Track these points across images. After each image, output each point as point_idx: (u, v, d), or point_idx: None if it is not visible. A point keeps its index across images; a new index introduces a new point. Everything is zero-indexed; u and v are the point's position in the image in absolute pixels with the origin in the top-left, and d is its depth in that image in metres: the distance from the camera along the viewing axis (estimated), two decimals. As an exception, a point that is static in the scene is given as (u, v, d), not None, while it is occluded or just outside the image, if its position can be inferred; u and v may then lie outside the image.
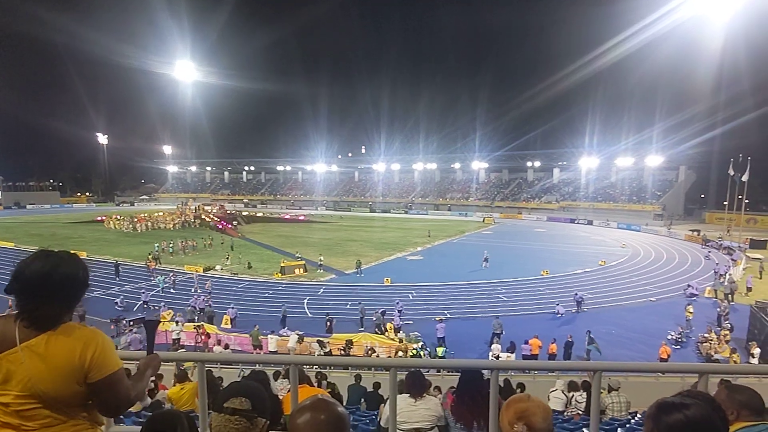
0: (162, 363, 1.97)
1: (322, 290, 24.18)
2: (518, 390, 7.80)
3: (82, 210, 77.14)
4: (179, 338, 16.01)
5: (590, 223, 58.42)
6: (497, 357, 14.05)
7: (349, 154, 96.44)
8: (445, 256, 34.90)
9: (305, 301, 21.94)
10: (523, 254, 35.90)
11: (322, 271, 28.17)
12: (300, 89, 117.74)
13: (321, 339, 14.89)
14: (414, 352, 14.41)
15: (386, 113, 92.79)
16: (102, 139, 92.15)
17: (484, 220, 61.45)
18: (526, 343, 14.72)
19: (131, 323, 16.14)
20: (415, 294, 23.19)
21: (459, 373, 3.36)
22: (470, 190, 78.18)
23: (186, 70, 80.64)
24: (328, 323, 17.22)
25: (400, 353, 14.23)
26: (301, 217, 63.04)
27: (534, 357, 14.46)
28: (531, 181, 75.58)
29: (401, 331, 16.95)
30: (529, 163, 75.35)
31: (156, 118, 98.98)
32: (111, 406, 1.59)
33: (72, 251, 1.59)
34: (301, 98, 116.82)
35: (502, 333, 16.08)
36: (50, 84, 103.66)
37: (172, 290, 23.68)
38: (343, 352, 14.28)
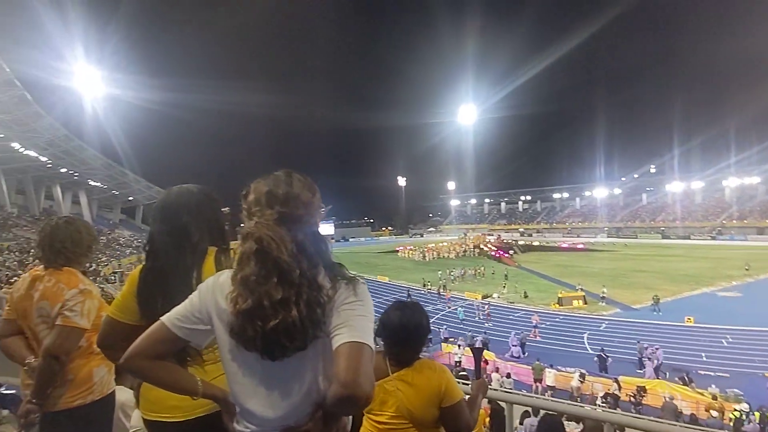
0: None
1: (604, 325, 22.74)
2: None
3: (386, 242, 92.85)
4: (460, 360, 16.99)
5: None
6: None
7: (635, 176, 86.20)
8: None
9: (584, 335, 21.13)
10: None
11: (604, 304, 26.42)
12: (575, 109, 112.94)
13: (616, 379, 13.71)
14: (736, 415, 11.44)
15: (681, 123, 79.37)
16: (401, 182, 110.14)
17: None
18: None
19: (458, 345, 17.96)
20: (730, 339, 19.24)
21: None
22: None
23: (468, 114, 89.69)
24: (602, 361, 15.96)
25: (714, 413, 11.74)
26: (580, 246, 59.74)
27: None
28: None
29: (713, 386, 14.06)
30: None
31: (442, 160, 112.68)
32: (456, 429, 1.79)
33: (415, 302, 2.00)
34: (577, 119, 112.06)
35: None
36: (364, 149, 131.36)
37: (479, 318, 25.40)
38: (633, 399, 13.11)
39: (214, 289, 1.13)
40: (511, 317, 25.16)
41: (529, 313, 25.11)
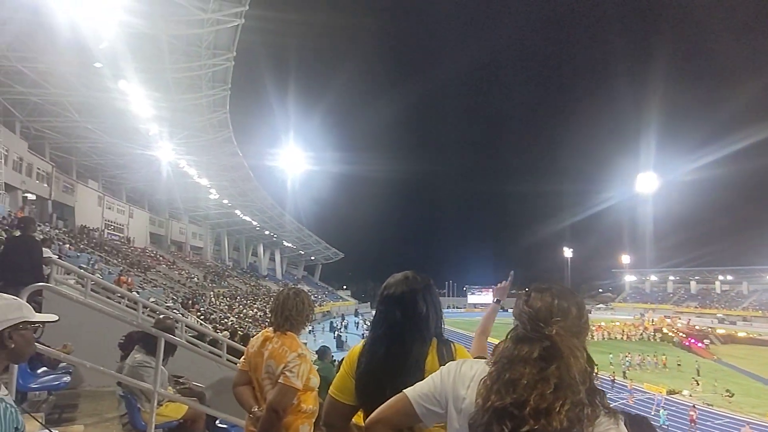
0: None
1: None
2: None
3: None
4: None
5: None
6: None
7: None
8: None
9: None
10: None
11: None
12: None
13: None
14: None
15: None
16: (567, 252, 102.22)
17: None
18: None
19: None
20: None
21: None
22: None
23: (647, 183, 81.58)
24: None
25: None
26: (811, 344, 46.12)
27: None
28: None
29: None
30: None
31: (615, 230, 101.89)
32: None
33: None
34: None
35: None
36: (529, 216, 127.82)
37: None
38: None
39: (456, 377, 1.15)
40: (709, 423, 19.92)
41: (736, 422, 19.61)
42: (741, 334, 51.67)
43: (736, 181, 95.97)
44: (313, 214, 69.52)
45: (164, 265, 36.61)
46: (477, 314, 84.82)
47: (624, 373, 28.95)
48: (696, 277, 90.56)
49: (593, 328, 48.18)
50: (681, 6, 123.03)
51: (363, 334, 46.12)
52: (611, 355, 32.79)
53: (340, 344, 38.79)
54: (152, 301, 19.31)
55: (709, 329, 50.59)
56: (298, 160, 50.18)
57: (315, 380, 2.47)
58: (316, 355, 8.07)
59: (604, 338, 46.27)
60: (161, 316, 5.66)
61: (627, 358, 32.02)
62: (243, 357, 2.62)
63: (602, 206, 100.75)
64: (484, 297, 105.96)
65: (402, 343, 1.50)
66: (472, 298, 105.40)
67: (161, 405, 3.92)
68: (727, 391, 24.13)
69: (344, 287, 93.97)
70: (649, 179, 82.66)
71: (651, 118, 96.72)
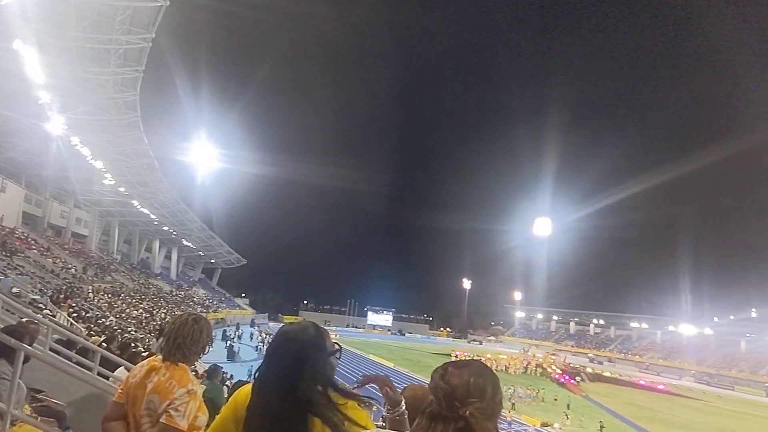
0: None
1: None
2: None
3: (443, 343, 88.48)
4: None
5: None
6: None
7: (731, 317, 76.71)
8: None
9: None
10: None
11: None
12: (660, 239, 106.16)
13: None
14: None
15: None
16: (466, 284, 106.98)
17: None
18: None
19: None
20: None
21: None
22: None
23: (543, 227, 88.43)
24: None
25: None
26: (661, 386, 52.40)
27: None
28: None
29: None
30: None
31: (510, 267, 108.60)
32: None
33: None
34: (662, 250, 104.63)
35: None
36: (431, 245, 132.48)
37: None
38: None
39: None
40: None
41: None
42: (606, 374, 57.34)
43: (613, 239, 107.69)
44: (221, 215, 65.77)
45: (36, 251, 32.13)
46: (376, 336, 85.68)
47: (513, 405, 30.42)
48: (575, 319, 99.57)
49: (482, 359, 50.60)
50: (576, 64, 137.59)
51: (257, 347, 44.10)
52: (496, 387, 34.53)
53: (232, 354, 36.76)
54: (15, 292, 16.80)
55: (581, 367, 55.46)
56: (210, 156, 47.32)
57: (203, 418, 2.14)
58: (205, 375, 7.31)
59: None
60: (24, 320, 4.78)
61: (509, 390, 33.85)
62: (120, 387, 2.26)
63: (502, 245, 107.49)
64: (382, 317, 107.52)
65: (295, 397, 1.39)
66: (371, 319, 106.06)
67: (14, 425, 3.34)
68: (601, 422, 26.51)
69: (243, 295, 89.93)
70: (544, 223, 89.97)
71: (548, 166, 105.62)
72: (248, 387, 1.53)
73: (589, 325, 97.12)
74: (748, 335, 72.12)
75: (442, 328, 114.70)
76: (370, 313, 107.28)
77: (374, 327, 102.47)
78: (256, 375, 1.51)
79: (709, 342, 75.32)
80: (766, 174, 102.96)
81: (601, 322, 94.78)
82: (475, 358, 44.34)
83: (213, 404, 4.33)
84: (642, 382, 54.41)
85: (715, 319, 76.85)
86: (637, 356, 79.41)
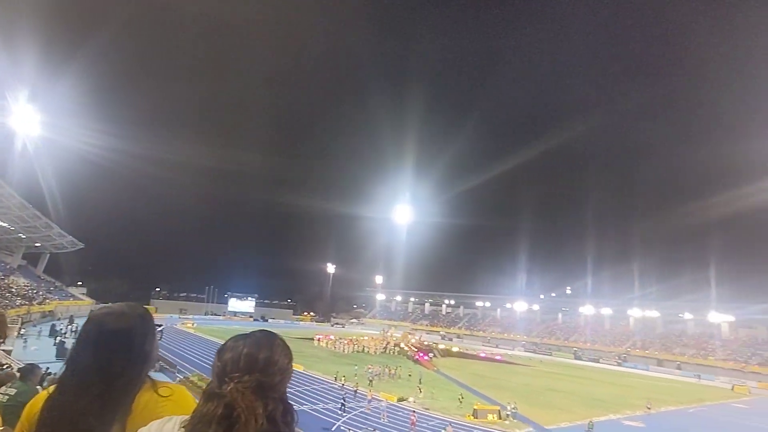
0: None
1: (517, 444, 21.78)
2: None
3: (306, 327, 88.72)
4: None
5: None
6: None
7: (553, 294, 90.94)
8: (677, 427, 28.21)
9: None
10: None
11: (512, 419, 25.60)
12: (505, 227, 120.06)
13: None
14: None
15: (595, 252, 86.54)
16: (330, 269, 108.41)
17: (733, 388, 48.24)
18: None
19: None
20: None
21: None
22: (709, 347, 63.52)
23: (403, 214, 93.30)
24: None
25: None
26: (498, 357, 59.95)
27: None
28: (804, 343, 57.92)
29: None
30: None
31: (373, 252, 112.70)
32: None
33: None
34: (505, 236, 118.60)
35: None
36: (295, 229, 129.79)
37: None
38: None
39: None
40: (425, 425, 23.63)
41: (442, 423, 23.76)
42: (455, 349, 63.57)
43: (464, 227, 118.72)
44: (51, 191, 55.88)
45: None
46: (236, 323, 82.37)
47: (370, 382, 32.11)
48: (430, 300, 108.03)
49: (345, 342, 52.30)
50: (432, 60, 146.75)
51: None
52: (356, 367, 36.09)
53: (62, 353, 32.09)
54: None
55: (434, 344, 60.66)
56: (32, 122, 40.46)
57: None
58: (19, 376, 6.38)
59: (354, 351, 50.63)
60: None
61: (370, 370, 35.68)
62: None
63: (365, 231, 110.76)
64: (245, 304, 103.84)
65: (82, 386, 1.28)
66: (232, 306, 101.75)
67: None
68: (460, 396, 29.29)
69: (79, 283, 79.19)
70: (404, 211, 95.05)
71: (407, 157, 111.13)
72: (44, 394, 1.41)
73: (441, 306, 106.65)
74: (564, 309, 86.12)
75: (305, 313, 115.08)
76: (231, 300, 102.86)
77: (235, 314, 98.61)
78: (69, 360, 1.39)
79: (536, 316, 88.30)
80: (583, 166, 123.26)
81: (452, 302, 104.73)
82: (338, 340, 45.17)
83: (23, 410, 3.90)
84: (483, 354, 61.66)
85: (542, 296, 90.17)
86: (481, 332, 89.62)
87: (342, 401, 25.32)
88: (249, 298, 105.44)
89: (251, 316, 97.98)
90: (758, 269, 67.29)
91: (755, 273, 65.12)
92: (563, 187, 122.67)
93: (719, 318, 64.20)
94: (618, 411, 31.14)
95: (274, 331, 1.19)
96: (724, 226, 76.80)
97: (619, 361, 65.70)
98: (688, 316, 68.89)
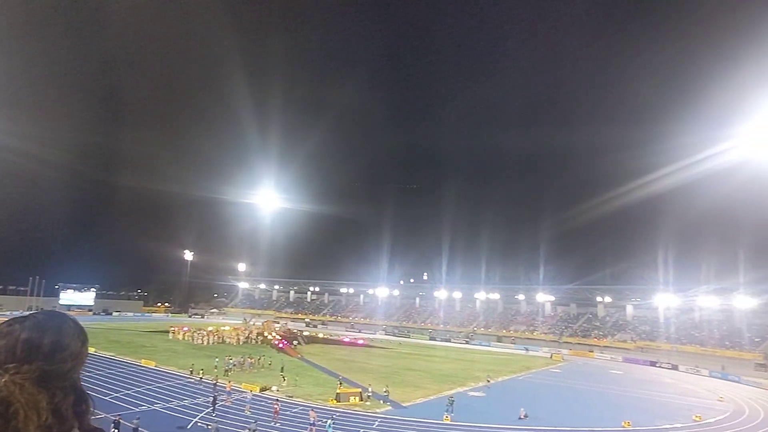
0: None
1: (377, 423, 23.03)
2: None
3: (159, 319, 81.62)
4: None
5: (675, 368, 52.63)
6: None
7: (411, 280, 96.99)
8: (510, 393, 32.53)
9: (359, 433, 20.93)
10: (599, 399, 32.60)
11: (382, 401, 27.01)
12: (366, 215, 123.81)
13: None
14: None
15: (448, 241, 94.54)
16: (188, 256, 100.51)
17: (551, 357, 57.31)
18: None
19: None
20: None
21: None
22: (536, 324, 74.41)
23: (266, 200, 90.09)
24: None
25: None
26: (360, 342, 62.20)
27: None
28: (602, 316, 71.00)
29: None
30: (599, 298, 71.65)
31: (235, 239, 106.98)
32: None
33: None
34: (367, 225, 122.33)
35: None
36: (145, 212, 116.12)
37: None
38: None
39: None
40: (289, 413, 23.57)
41: (306, 408, 23.94)
42: (320, 335, 64.30)
43: (329, 216, 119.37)
44: None
45: None
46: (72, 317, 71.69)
47: (226, 371, 30.86)
48: (295, 287, 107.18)
49: (204, 333, 49.34)
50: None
51: None
52: (217, 359, 34.42)
53: None
54: None
55: (298, 331, 60.53)
56: None
57: None
58: None
59: (215, 342, 48.11)
60: None
61: (231, 361, 34.29)
62: None
63: (226, 217, 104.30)
64: (82, 296, 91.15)
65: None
66: (66, 299, 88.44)
67: None
68: (341, 383, 29.38)
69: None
70: (269, 198, 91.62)
71: (272, 144, 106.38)
72: None
73: (306, 293, 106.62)
74: (421, 294, 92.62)
75: (159, 304, 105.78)
76: (63, 292, 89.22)
77: (69, 308, 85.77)
78: None
79: (396, 301, 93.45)
80: (441, 160, 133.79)
81: (317, 289, 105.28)
82: (196, 332, 42.39)
83: None
84: (346, 339, 63.43)
85: (401, 282, 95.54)
86: (345, 318, 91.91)
87: (213, 396, 23.81)
88: (87, 290, 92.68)
89: (90, 310, 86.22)
90: (576, 253, 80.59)
91: (573, 257, 78.02)
92: (421, 179, 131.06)
93: (544, 298, 75.29)
94: (464, 384, 34.85)
95: (65, 313, 1.02)
96: (553, 216, 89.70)
97: (467, 339, 73.15)
98: (521, 297, 79.44)
